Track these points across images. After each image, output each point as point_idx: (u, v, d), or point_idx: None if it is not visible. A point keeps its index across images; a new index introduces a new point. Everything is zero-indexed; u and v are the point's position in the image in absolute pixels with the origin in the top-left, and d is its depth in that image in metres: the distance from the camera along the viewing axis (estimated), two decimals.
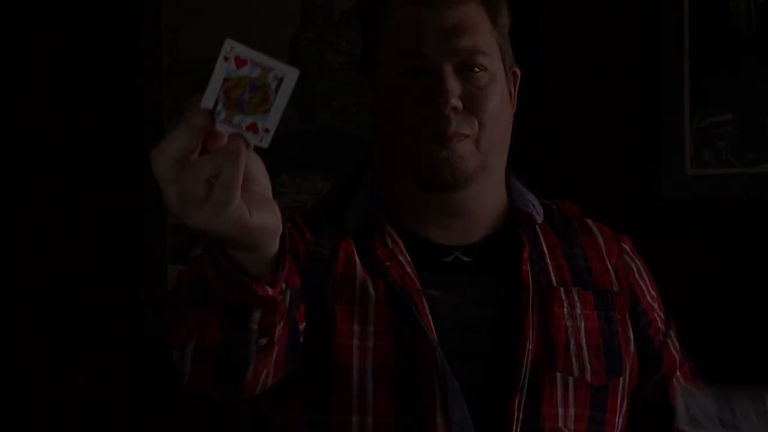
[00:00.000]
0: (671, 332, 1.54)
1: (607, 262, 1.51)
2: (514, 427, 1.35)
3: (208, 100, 0.91)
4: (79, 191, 2.54)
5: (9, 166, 2.58)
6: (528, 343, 1.38)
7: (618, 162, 2.33)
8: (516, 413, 1.35)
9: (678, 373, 1.52)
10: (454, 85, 1.36)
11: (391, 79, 1.41)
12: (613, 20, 2.33)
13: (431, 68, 1.37)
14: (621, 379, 1.45)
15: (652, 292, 1.55)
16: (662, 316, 1.54)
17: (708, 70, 2.25)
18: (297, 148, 2.43)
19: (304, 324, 1.29)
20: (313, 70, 2.46)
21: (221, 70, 0.91)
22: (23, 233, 2.57)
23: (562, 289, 1.44)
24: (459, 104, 1.36)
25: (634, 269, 1.53)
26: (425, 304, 1.38)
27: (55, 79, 2.57)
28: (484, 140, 1.39)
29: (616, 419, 1.45)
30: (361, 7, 1.60)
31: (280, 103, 0.92)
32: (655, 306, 1.54)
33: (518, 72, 1.49)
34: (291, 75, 0.91)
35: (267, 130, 0.92)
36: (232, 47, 0.91)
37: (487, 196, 1.45)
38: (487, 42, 1.41)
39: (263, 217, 0.94)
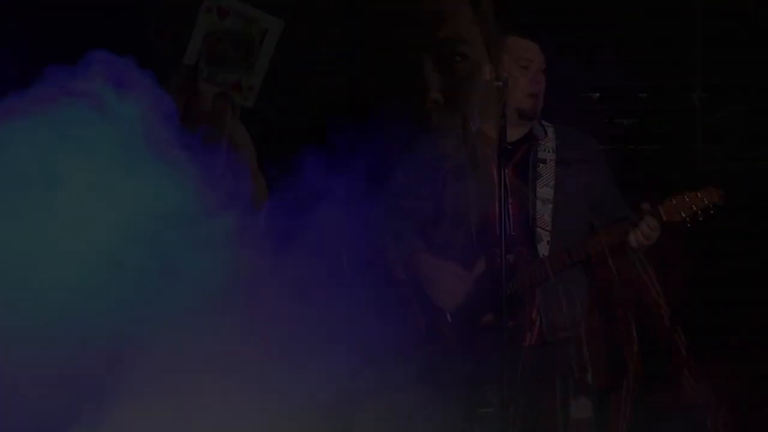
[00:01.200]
0: (678, 328, 1.52)
1: (609, 259, 1.47)
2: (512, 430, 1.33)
3: (190, 56, 0.90)
4: None
5: None
6: (525, 344, 1.36)
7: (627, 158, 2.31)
8: (513, 419, 1.33)
9: (684, 370, 1.50)
10: (432, 78, 1.31)
11: (371, 71, 1.38)
12: (621, 15, 2.32)
13: (408, 61, 1.32)
14: (624, 380, 1.43)
15: (658, 288, 1.52)
16: (668, 312, 1.52)
17: (720, 62, 2.24)
18: (292, 145, 2.40)
19: None
20: (307, 63, 2.42)
21: (203, 23, 0.90)
22: None
23: (561, 287, 1.42)
24: (439, 98, 1.31)
25: (638, 266, 1.50)
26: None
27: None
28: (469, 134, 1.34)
29: (620, 421, 1.42)
30: None
31: (263, 58, 0.91)
32: (661, 302, 1.51)
33: (507, 58, 1.43)
34: (275, 27, 0.90)
35: (251, 89, 0.91)
36: None
37: (478, 192, 1.41)
38: (468, 29, 1.35)
39: (248, 187, 0.93)
